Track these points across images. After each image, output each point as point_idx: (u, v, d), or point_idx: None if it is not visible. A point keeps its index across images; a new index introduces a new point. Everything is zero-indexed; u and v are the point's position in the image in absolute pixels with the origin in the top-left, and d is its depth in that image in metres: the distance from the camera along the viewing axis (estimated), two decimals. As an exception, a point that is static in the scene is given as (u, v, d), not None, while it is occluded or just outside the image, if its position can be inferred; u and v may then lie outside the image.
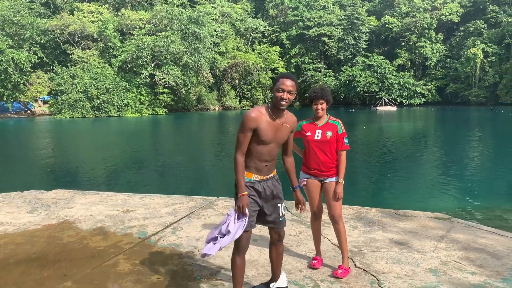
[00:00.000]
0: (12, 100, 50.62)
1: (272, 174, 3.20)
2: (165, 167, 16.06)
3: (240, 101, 65.73)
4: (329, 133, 3.79)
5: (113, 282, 3.69)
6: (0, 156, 20.58)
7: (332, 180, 3.86)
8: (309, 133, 3.84)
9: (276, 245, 3.32)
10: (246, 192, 3.01)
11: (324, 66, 72.65)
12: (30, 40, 51.84)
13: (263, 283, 3.54)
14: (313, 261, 3.97)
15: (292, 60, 71.39)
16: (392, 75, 68.97)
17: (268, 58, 67.45)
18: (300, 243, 4.60)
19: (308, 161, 3.90)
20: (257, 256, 4.24)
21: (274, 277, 3.43)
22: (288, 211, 5.74)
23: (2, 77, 47.25)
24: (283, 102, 3.03)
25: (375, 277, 3.72)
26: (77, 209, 5.96)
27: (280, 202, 3.23)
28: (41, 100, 55.62)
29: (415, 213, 5.68)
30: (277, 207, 3.21)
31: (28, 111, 54.23)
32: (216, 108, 63.10)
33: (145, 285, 3.61)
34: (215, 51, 60.58)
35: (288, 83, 3.03)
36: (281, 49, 71.15)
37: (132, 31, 55.18)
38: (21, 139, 28.59)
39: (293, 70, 70.21)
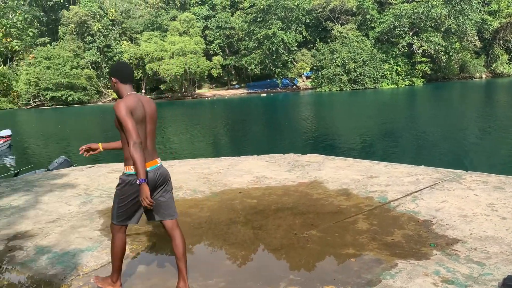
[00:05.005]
0: (281, 77, 57.63)
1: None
2: (415, 139, 15.65)
3: (515, 67, 56.50)
4: None
5: (351, 236, 4.08)
6: (271, 124, 24.19)
7: None
8: None
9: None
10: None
11: None
12: (297, 21, 57.30)
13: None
14: None
15: None
16: None
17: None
18: None
19: None
20: (504, 234, 3.89)
21: None
22: None
23: (274, 57, 54.18)
24: None
25: None
26: (326, 171, 6.63)
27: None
28: (304, 76, 61.29)
29: None
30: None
31: (294, 86, 60.69)
32: (483, 76, 56.11)
33: (379, 244, 3.85)
34: (484, 11, 53.50)
35: None
36: None
37: (390, 1, 54.18)
38: (287, 110, 32.65)
39: None
